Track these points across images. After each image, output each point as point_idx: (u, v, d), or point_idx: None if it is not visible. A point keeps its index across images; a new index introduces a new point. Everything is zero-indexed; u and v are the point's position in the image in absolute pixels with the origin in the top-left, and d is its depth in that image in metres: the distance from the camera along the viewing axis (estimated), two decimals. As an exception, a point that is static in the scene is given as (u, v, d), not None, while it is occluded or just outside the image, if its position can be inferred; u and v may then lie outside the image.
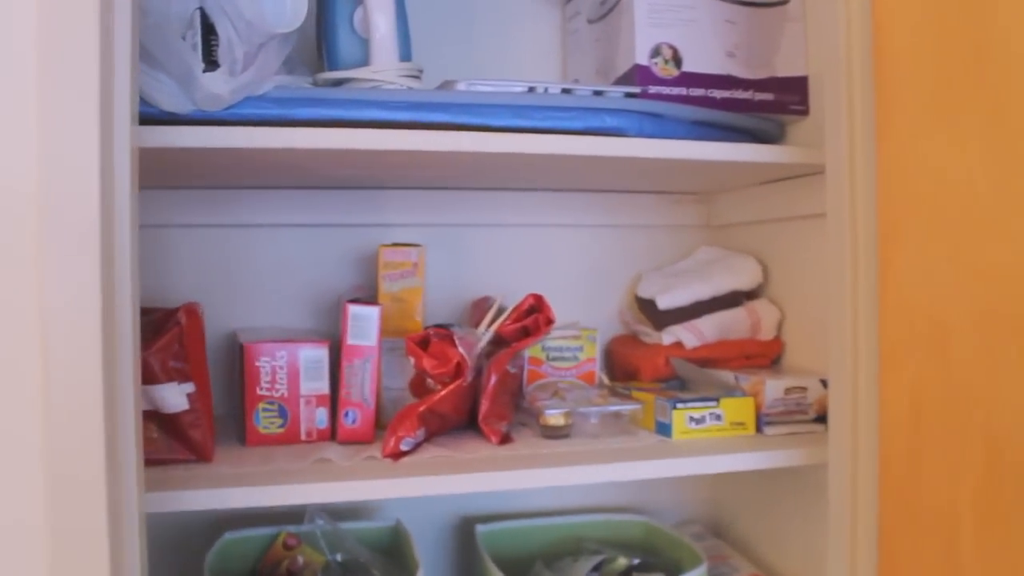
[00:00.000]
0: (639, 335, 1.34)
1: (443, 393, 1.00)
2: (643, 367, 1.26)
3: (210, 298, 1.24)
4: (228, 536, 1.15)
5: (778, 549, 1.28)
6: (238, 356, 1.06)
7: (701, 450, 1.03)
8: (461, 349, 1.00)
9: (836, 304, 0.92)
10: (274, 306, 1.29)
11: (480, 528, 1.25)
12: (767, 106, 1.16)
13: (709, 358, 1.24)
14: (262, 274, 1.28)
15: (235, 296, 1.27)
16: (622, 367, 1.34)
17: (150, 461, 0.95)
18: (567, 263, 1.40)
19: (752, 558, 1.33)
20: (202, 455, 0.97)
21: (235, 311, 1.27)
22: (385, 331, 1.09)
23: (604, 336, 1.38)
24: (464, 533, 1.37)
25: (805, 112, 1.17)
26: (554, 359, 1.26)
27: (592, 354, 1.27)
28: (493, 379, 1.04)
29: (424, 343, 1.03)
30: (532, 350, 1.24)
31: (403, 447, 0.99)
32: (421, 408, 0.99)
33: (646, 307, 1.33)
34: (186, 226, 1.25)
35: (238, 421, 1.08)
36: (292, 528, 1.17)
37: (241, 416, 1.06)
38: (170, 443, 0.96)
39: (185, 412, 0.95)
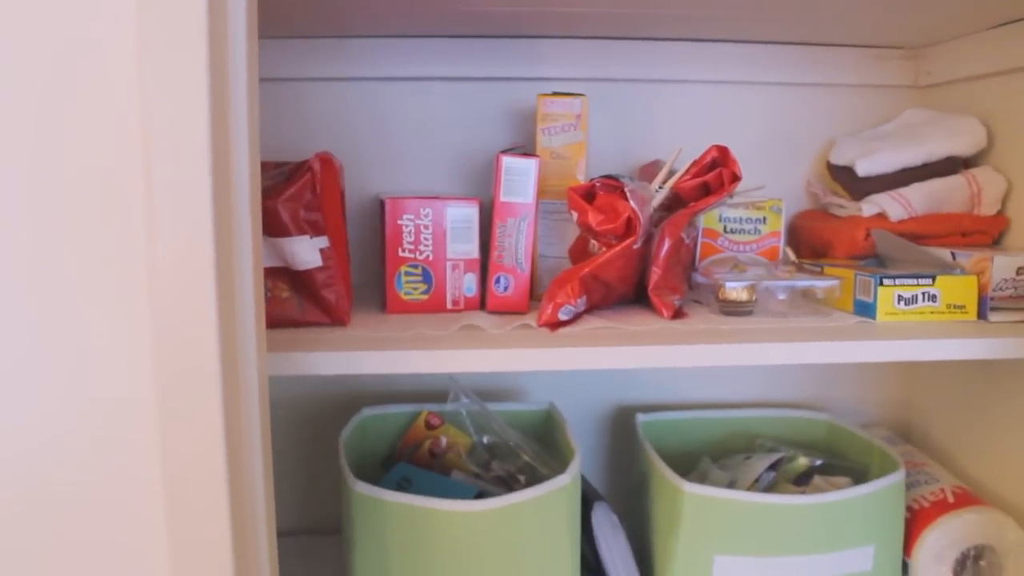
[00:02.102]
0: (830, 208, 1.17)
1: (610, 254, 0.87)
2: (837, 242, 1.10)
3: (351, 159, 1.17)
4: (366, 412, 1.06)
5: (986, 462, 1.11)
6: (379, 214, 0.95)
7: (911, 334, 0.87)
8: (633, 203, 0.85)
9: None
10: (420, 168, 1.18)
11: (641, 417, 1.12)
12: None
13: (917, 233, 1.06)
14: (407, 133, 1.18)
15: (378, 157, 1.18)
16: (809, 244, 1.17)
17: (281, 322, 0.87)
18: (746, 127, 1.23)
19: (952, 469, 1.16)
20: (337, 318, 0.88)
21: (378, 174, 1.18)
22: (542, 192, 0.99)
23: (787, 211, 1.21)
24: (620, 423, 1.26)
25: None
26: (732, 232, 1.10)
27: (776, 227, 1.10)
28: (667, 244, 0.90)
29: (589, 195, 0.89)
30: (707, 220, 1.08)
31: (562, 316, 0.86)
32: (584, 271, 0.86)
33: (841, 175, 1.15)
34: (323, 79, 1.15)
35: (379, 289, 0.97)
36: (435, 407, 1.07)
37: (381, 282, 0.96)
38: (303, 304, 0.87)
39: (318, 269, 0.85)
